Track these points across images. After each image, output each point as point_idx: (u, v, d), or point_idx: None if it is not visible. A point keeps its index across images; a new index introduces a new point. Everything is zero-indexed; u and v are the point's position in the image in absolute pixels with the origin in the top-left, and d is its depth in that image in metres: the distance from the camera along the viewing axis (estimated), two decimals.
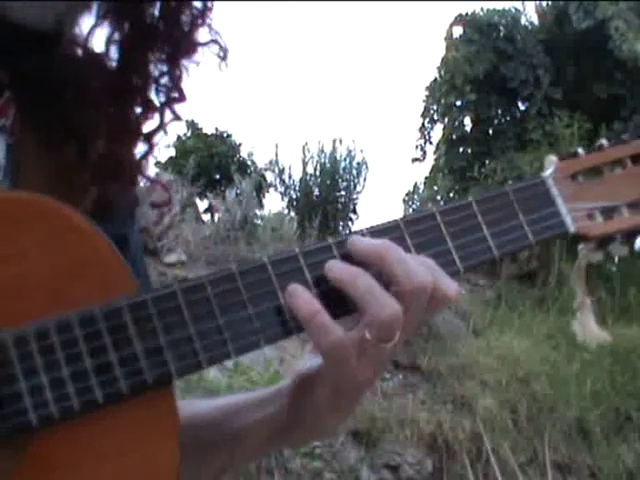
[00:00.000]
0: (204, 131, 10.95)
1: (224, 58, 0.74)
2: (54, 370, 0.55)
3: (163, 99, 0.72)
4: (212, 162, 10.15)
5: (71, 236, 0.58)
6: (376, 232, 0.63)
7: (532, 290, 6.31)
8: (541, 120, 8.39)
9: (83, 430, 0.56)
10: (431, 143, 9.36)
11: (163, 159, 10.42)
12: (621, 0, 7.89)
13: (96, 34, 0.69)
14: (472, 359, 4.73)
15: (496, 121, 9.11)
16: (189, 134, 10.95)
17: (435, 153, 9.37)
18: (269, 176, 8.40)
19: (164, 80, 0.72)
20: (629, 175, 0.72)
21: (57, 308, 0.56)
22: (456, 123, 8.99)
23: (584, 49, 8.19)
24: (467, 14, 8.71)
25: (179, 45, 0.71)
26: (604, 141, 0.74)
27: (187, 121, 11.07)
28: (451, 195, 8.62)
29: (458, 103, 8.82)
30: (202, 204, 8.47)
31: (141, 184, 0.75)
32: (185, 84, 0.73)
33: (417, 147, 9.43)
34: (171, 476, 0.58)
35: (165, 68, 0.71)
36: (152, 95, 0.72)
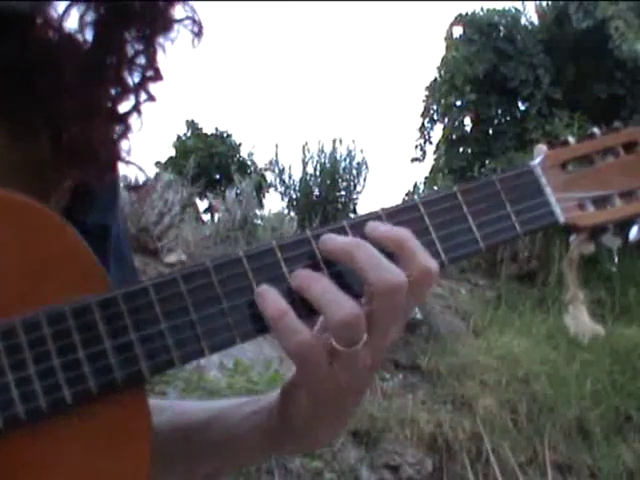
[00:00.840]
0: (204, 131, 10.94)
1: (199, 34, 0.71)
2: (21, 369, 0.54)
3: (138, 79, 0.70)
4: (212, 162, 10.15)
5: (40, 233, 0.57)
6: (356, 224, 0.61)
7: (532, 290, 6.31)
8: (541, 120, 8.38)
9: (51, 431, 0.55)
10: (431, 143, 9.36)
11: (163, 159, 10.42)
12: (621, 0, 7.89)
13: (70, 15, 0.66)
14: (472, 359, 4.73)
15: (496, 121, 9.11)
16: (189, 134, 10.95)
17: (435, 153, 9.37)
18: (269, 176, 8.41)
19: (139, 59, 0.69)
20: (621, 164, 0.70)
21: (26, 306, 0.55)
22: (456, 123, 8.98)
23: (584, 49, 8.19)
24: (467, 14, 8.70)
25: (155, 23, 0.69)
26: (596, 129, 0.72)
27: (187, 121, 11.07)
28: None
29: (458, 103, 8.82)
30: (202, 204, 8.48)
31: (119, 169, 0.73)
32: (161, 63, 0.71)
33: (417, 147, 9.43)
34: (142, 477, 0.56)
35: (140, 47, 0.69)
36: (127, 75, 0.69)
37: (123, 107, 0.70)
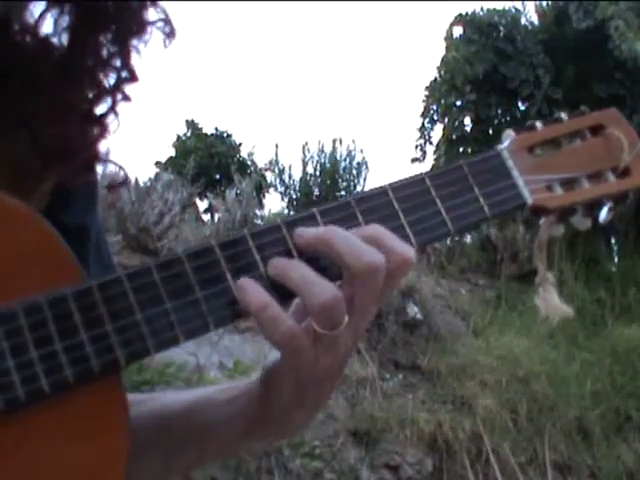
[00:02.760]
0: (204, 131, 10.95)
1: (171, 36, 0.72)
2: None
3: (114, 80, 0.71)
4: (212, 162, 10.15)
5: (16, 227, 0.57)
6: (327, 210, 0.62)
7: (532, 290, 6.29)
8: (541, 120, 8.37)
9: (30, 421, 0.55)
10: (431, 143, 9.35)
11: (163, 159, 10.42)
12: (621, 0, 7.88)
13: (46, 19, 0.68)
14: (472, 359, 4.73)
15: (496, 121, 9.10)
16: (189, 134, 10.95)
17: (435, 153, 9.36)
18: (269, 176, 8.41)
19: (114, 61, 0.71)
20: (588, 146, 0.71)
21: (1, 299, 0.55)
22: (456, 123, 8.97)
23: (584, 49, 8.19)
24: (467, 14, 8.70)
25: (128, 25, 0.70)
26: (562, 114, 0.72)
27: (187, 121, 11.07)
28: None
29: (458, 103, 8.81)
30: (202, 204, 8.48)
31: (98, 169, 0.74)
32: (136, 64, 0.72)
33: (417, 147, 9.42)
34: (119, 466, 0.57)
35: (115, 49, 0.70)
36: (102, 77, 0.71)
37: (100, 108, 0.71)
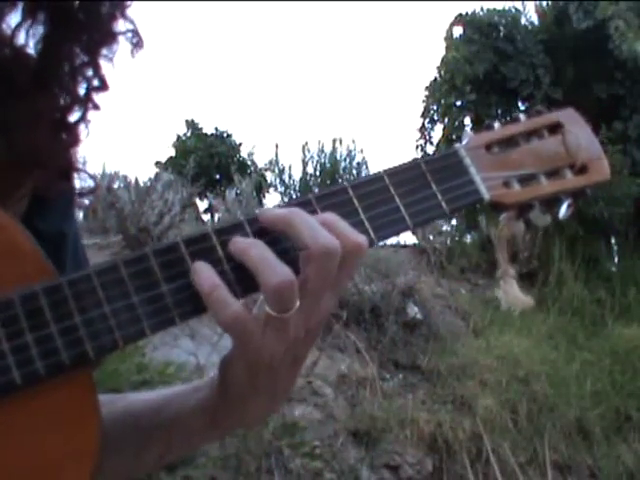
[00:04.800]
0: (204, 131, 10.94)
1: (140, 46, 0.75)
2: None
3: (85, 89, 0.74)
4: (212, 162, 10.14)
5: None
6: (290, 205, 0.64)
7: (532, 290, 6.30)
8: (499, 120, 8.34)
9: (2, 413, 0.57)
10: (431, 143, 9.35)
11: (163, 159, 10.41)
12: (621, 0, 7.88)
13: (20, 29, 0.70)
14: (472, 359, 4.73)
15: (496, 121, 9.11)
16: (189, 134, 10.94)
17: (435, 153, 9.36)
18: (269, 176, 8.40)
19: (85, 70, 0.73)
20: (546, 144, 0.73)
21: None
22: (456, 123, 8.97)
23: (584, 49, 8.18)
24: (467, 14, 8.70)
25: (99, 36, 0.73)
26: (520, 114, 0.74)
27: (187, 121, 11.06)
28: None
29: (458, 103, 8.82)
30: (202, 204, 8.47)
31: (75, 177, 0.76)
32: (107, 73, 0.75)
33: (417, 147, 9.42)
34: (90, 456, 0.58)
35: (86, 58, 0.73)
36: (74, 86, 0.73)
37: (72, 117, 0.74)
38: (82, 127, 0.74)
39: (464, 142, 0.72)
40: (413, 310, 5.03)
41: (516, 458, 4.22)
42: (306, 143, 7.88)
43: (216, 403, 0.68)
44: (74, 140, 0.74)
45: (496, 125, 0.73)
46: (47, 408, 0.58)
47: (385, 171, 0.67)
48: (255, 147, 11.01)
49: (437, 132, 9.30)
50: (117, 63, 0.74)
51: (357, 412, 4.07)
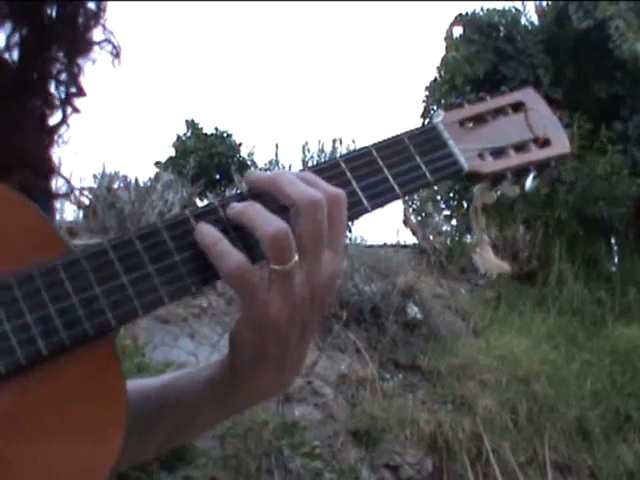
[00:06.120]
0: (204, 131, 10.93)
1: (117, 56, 0.79)
2: None
3: (63, 94, 0.77)
4: (212, 162, 10.13)
5: (4, 207, 0.62)
6: None
7: (532, 290, 6.30)
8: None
9: (30, 384, 0.58)
10: None
11: (163, 159, 10.41)
12: (621, 0, 7.88)
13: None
14: (472, 359, 4.73)
15: None
16: (189, 134, 10.94)
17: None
18: None
19: (63, 77, 0.77)
20: (511, 121, 0.80)
21: None
22: None
23: (584, 49, 8.18)
24: (467, 14, 8.69)
25: (75, 44, 0.76)
26: (485, 94, 0.82)
27: (187, 121, 11.06)
28: (451, 195, 8.62)
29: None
30: (202, 204, 8.47)
31: (55, 179, 0.79)
32: (84, 80, 0.78)
33: None
34: (120, 423, 0.59)
35: (63, 65, 0.76)
36: (53, 91, 0.76)
37: (51, 121, 0.77)
38: (62, 130, 0.78)
39: (439, 118, 0.77)
40: (413, 310, 5.03)
41: (516, 458, 4.22)
42: (306, 143, 7.89)
43: (225, 376, 0.70)
44: (53, 143, 0.77)
45: (465, 104, 0.80)
46: (74, 377, 0.60)
47: (373, 145, 0.73)
48: (255, 147, 10.99)
49: None
50: (96, 70, 0.79)
51: (357, 412, 4.07)
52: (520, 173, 0.79)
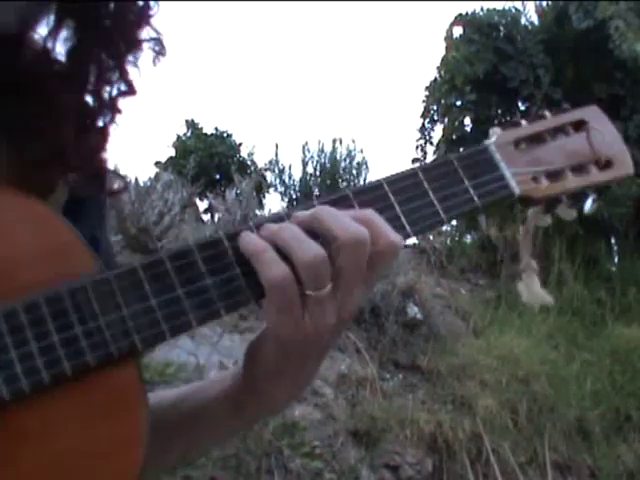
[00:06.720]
0: (204, 131, 10.93)
1: (163, 54, 0.78)
2: (23, 346, 0.58)
3: (114, 93, 0.77)
4: (212, 162, 10.13)
5: (36, 224, 0.62)
6: (325, 203, 0.66)
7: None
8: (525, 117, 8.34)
9: (52, 402, 0.59)
10: (431, 143, 9.34)
11: (163, 159, 10.41)
12: (621, 0, 7.88)
13: (52, 36, 0.74)
14: (472, 359, 4.73)
15: (496, 121, 9.10)
16: (189, 134, 10.94)
17: (435, 153, 9.36)
18: (269, 176, 8.40)
19: (112, 75, 0.76)
20: (572, 141, 0.75)
21: (23, 290, 0.59)
22: (456, 123, 8.97)
23: (584, 49, 8.18)
24: (467, 14, 8.69)
25: (125, 42, 0.76)
26: (546, 112, 0.77)
27: (187, 121, 11.06)
28: None
29: (458, 103, 8.81)
30: (202, 204, 8.47)
31: (108, 181, 0.79)
32: (134, 78, 0.78)
33: (417, 147, 9.42)
34: (139, 442, 0.60)
35: (112, 63, 0.76)
36: (102, 89, 0.76)
37: (100, 120, 0.77)
38: (110, 130, 0.77)
39: (493, 139, 0.74)
40: (413, 310, 5.03)
41: (516, 458, 4.22)
42: (306, 143, 7.89)
43: (240, 389, 0.70)
44: (103, 143, 0.77)
45: (523, 122, 0.76)
46: (95, 397, 0.60)
47: (419, 167, 0.70)
48: (255, 147, 10.99)
49: (437, 132, 9.30)
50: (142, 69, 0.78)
51: (357, 412, 4.07)
52: (577, 196, 0.75)
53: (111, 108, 0.77)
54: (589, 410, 4.70)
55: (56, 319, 0.59)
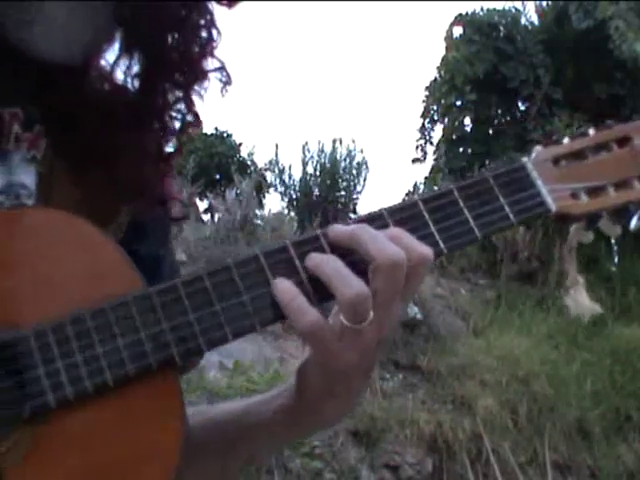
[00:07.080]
0: (204, 131, 10.93)
1: (229, 84, 0.81)
2: (69, 357, 0.62)
3: (180, 123, 0.79)
4: (212, 162, 10.14)
5: (90, 247, 0.66)
6: (360, 221, 0.67)
7: (532, 290, 6.30)
8: (541, 120, 8.37)
9: (92, 410, 0.62)
10: (431, 143, 9.35)
11: None
12: (621, 0, 7.88)
13: (119, 66, 0.77)
14: (472, 359, 4.73)
15: (496, 121, 9.10)
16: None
17: (435, 153, 9.37)
18: (269, 176, 8.40)
19: (179, 105, 0.79)
20: (614, 157, 0.74)
21: (73, 306, 0.63)
22: (456, 123, 8.98)
23: (584, 49, 8.18)
24: (467, 14, 8.70)
25: (191, 73, 0.78)
26: (590, 130, 0.75)
27: None
28: None
29: (458, 103, 8.81)
30: (202, 204, 8.47)
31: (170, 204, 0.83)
32: (199, 109, 0.80)
33: (417, 147, 9.42)
34: (172, 454, 0.63)
35: (180, 94, 0.78)
36: (169, 120, 0.79)
37: (167, 148, 0.81)
38: (177, 158, 0.81)
39: (532, 156, 0.73)
40: (413, 310, 5.03)
41: (516, 458, 4.22)
42: (306, 143, 7.89)
43: (294, 405, 0.72)
44: (169, 170, 0.81)
45: (565, 140, 0.75)
46: (133, 407, 0.63)
47: (455, 185, 0.70)
48: (255, 147, 10.99)
49: (437, 132, 9.31)
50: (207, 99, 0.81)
51: (357, 412, 4.07)
52: (620, 212, 0.73)
53: (178, 138, 0.79)
54: (589, 410, 4.71)
55: (99, 332, 0.63)
